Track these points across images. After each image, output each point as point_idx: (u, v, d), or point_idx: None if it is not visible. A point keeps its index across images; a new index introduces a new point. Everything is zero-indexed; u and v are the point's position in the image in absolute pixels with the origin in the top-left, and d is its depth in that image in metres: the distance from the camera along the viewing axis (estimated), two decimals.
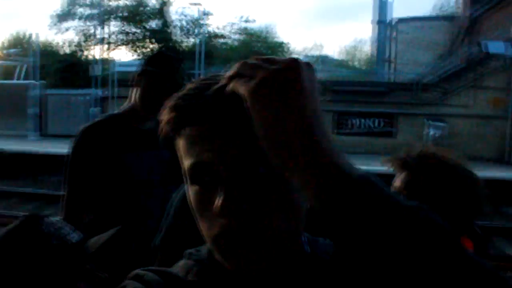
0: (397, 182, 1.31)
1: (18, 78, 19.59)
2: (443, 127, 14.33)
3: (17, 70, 19.88)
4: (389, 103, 15.22)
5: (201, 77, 0.62)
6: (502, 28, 16.63)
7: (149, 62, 2.00)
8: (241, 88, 0.52)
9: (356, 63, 39.56)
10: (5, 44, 31.98)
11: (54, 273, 0.96)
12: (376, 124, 15.25)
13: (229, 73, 0.55)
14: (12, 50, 22.99)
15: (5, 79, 20.44)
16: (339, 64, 34.77)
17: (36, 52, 17.33)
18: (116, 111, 2.10)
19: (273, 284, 0.61)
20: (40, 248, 0.98)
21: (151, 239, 2.05)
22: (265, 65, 0.52)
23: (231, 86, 0.54)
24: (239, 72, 0.53)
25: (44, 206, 8.98)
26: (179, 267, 0.67)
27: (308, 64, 0.53)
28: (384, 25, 23.72)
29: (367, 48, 36.57)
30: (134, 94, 2.03)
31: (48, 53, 28.27)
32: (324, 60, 34.06)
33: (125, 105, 2.07)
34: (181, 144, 0.60)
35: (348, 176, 0.48)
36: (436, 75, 15.68)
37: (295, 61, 0.52)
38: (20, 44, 28.36)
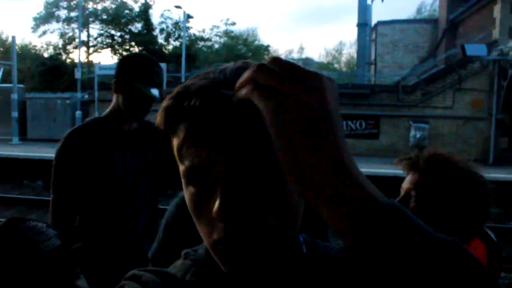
0: (407, 183, 1.31)
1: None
2: (426, 128, 14.53)
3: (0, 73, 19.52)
4: (372, 105, 15.37)
5: (198, 73, 0.59)
6: (481, 30, 16.96)
7: (124, 71, 1.99)
8: (260, 102, 0.46)
9: (339, 66, 39.91)
10: None
11: (28, 280, 0.93)
12: (360, 126, 15.37)
13: (244, 77, 0.48)
14: None
15: None
16: (322, 66, 35.05)
17: (15, 55, 17.01)
18: (102, 114, 2.10)
19: (270, 285, 0.60)
20: (11, 254, 0.95)
21: (138, 240, 2.06)
22: (288, 77, 0.45)
23: (244, 93, 0.48)
24: (256, 79, 0.46)
25: (27, 210, 8.85)
26: (177, 267, 0.66)
27: (330, 80, 0.48)
28: (365, 28, 23.92)
29: (352, 51, 36.93)
30: (115, 98, 2.04)
31: (30, 56, 27.94)
32: (307, 62, 34.30)
33: (109, 108, 2.07)
34: (175, 144, 0.56)
35: (381, 206, 0.45)
36: (418, 77, 15.88)
37: (320, 77, 0.46)
38: (1, 47, 27.93)
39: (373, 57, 25.69)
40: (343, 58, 42.41)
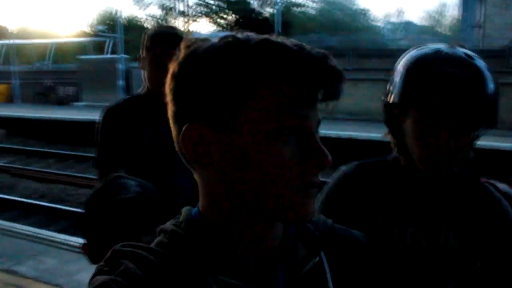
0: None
1: (108, 53, 20.83)
2: None
3: (107, 45, 21.08)
4: None
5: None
6: None
7: (153, 42, 2.02)
8: None
9: (441, 29, 37.36)
10: (94, 22, 33.77)
11: (106, 222, 1.12)
12: None
13: None
14: (100, 27, 24.29)
15: (97, 53, 21.90)
16: (423, 30, 33.02)
17: (120, 28, 18.21)
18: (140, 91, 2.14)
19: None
20: (98, 199, 1.17)
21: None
22: None
23: None
24: None
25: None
26: (161, 244, 0.65)
27: None
28: None
29: (454, 13, 34.23)
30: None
31: (135, 28, 29.56)
32: (407, 27, 32.50)
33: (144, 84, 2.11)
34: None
35: None
36: None
37: None
38: (110, 21, 29.81)
39: (480, 19, 23.64)
40: (446, 21, 39.52)
